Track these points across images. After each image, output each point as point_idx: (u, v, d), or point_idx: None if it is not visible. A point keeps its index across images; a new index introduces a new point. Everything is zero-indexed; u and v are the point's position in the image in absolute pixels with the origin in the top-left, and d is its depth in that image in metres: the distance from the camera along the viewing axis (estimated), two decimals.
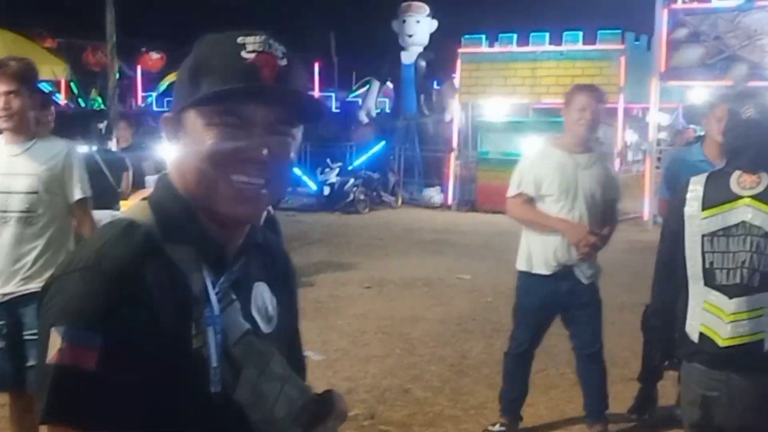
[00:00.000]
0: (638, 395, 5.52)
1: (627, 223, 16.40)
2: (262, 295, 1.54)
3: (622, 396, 5.73)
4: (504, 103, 18.74)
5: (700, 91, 16.84)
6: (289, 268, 1.72)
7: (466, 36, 19.65)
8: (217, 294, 1.40)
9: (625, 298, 7.47)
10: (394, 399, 5.80)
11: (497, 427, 5.11)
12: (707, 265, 3.05)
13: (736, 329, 3.00)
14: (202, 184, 1.41)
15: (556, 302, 4.91)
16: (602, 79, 17.95)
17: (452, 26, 20.75)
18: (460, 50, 19.61)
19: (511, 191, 4.98)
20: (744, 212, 3.03)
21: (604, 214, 4.88)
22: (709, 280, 3.05)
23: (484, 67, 19.25)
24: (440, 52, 21.45)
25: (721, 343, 3.01)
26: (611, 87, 17.84)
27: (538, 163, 4.89)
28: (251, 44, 1.40)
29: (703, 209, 3.08)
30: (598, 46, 18.06)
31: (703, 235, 3.06)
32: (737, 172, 3.11)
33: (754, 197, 3.04)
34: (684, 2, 17.24)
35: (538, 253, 4.85)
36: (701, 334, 3.07)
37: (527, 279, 4.94)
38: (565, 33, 18.32)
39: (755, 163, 3.10)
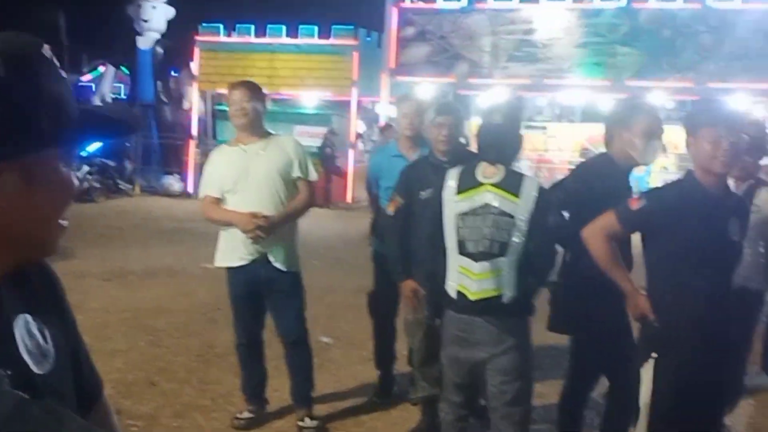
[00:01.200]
0: (379, 379, 5.86)
1: (360, 210, 17.18)
2: (28, 330, 1.26)
3: (361, 376, 6.15)
4: None
5: (427, 87, 17.93)
6: (46, 273, 1.43)
7: (204, 24, 19.58)
8: None
9: (362, 282, 7.86)
10: (141, 393, 5.79)
11: (245, 415, 5.25)
12: (460, 238, 3.81)
13: (481, 286, 3.79)
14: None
15: (258, 290, 5.07)
16: (337, 72, 18.67)
17: (190, 14, 20.51)
18: (197, 38, 19.49)
19: (199, 195, 5.21)
20: (486, 196, 3.80)
21: (298, 191, 5.03)
22: (462, 249, 3.81)
23: (222, 56, 19.27)
24: (178, 40, 21.15)
25: (471, 297, 3.80)
26: (345, 80, 18.63)
27: (217, 165, 5.09)
28: None
29: (458, 193, 3.85)
30: (332, 41, 18.68)
31: (457, 214, 3.83)
32: (482, 164, 3.86)
33: (493, 184, 3.81)
34: (412, 2, 18.28)
35: (230, 247, 5.03)
36: (458, 292, 3.84)
37: (229, 273, 5.11)
38: (301, 26, 18.74)
39: (495, 157, 3.85)
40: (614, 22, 17.21)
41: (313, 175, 5.15)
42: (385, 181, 5.39)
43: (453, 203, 3.86)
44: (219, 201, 5.02)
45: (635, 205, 3.58)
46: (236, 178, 4.92)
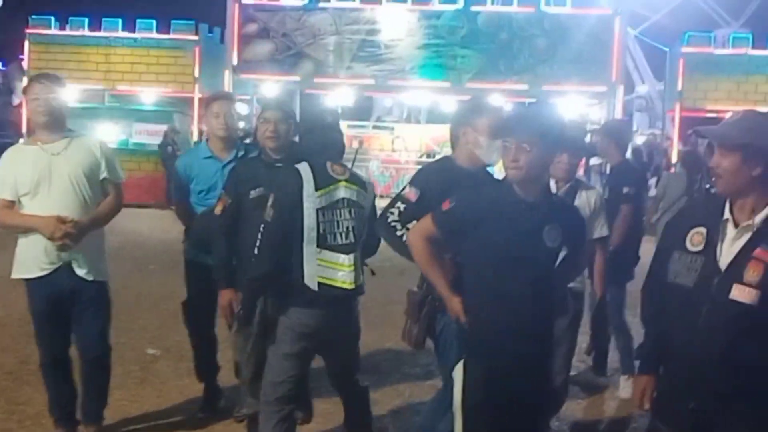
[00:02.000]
0: (204, 392, 5.59)
1: None
2: None
3: (188, 390, 5.84)
4: (77, 89, 18.12)
5: (271, 85, 17.69)
6: None
7: (34, 16, 18.70)
8: None
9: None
10: None
11: None
12: (321, 231, 3.96)
13: (352, 276, 4.03)
14: None
15: (62, 302, 4.68)
16: (178, 68, 18.22)
17: (19, 4, 19.56)
18: (27, 31, 18.62)
19: None
20: (343, 191, 4.05)
21: (106, 194, 4.72)
22: (322, 242, 3.97)
23: (55, 50, 18.52)
24: (6, 32, 20.15)
25: (348, 287, 4.02)
26: (187, 77, 18.19)
27: (12, 165, 4.64)
28: None
29: (316, 190, 3.98)
30: (172, 36, 18.27)
31: (317, 209, 3.97)
32: (328, 163, 4.08)
33: (347, 180, 4.10)
34: None
35: (30, 256, 4.62)
36: (320, 284, 3.98)
37: (28, 285, 4.70)
38: (138, 20, 18.23)
39: (337, 156, 4.16)
40: (453, 25, 17.51)
41: (121, 176, 4.82)
42: (198, 185, 5.14)
43: (313, 198, 3.97)
44: (12, 204, 4.58)
45: (446, 206, 3.54)
46: (36, 179, 4.51)
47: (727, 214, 2.95)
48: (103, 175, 4.67)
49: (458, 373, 3.59)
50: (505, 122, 3.63)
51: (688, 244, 2.97)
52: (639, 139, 23.22)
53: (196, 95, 18.12)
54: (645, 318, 3.28)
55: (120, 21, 18.28)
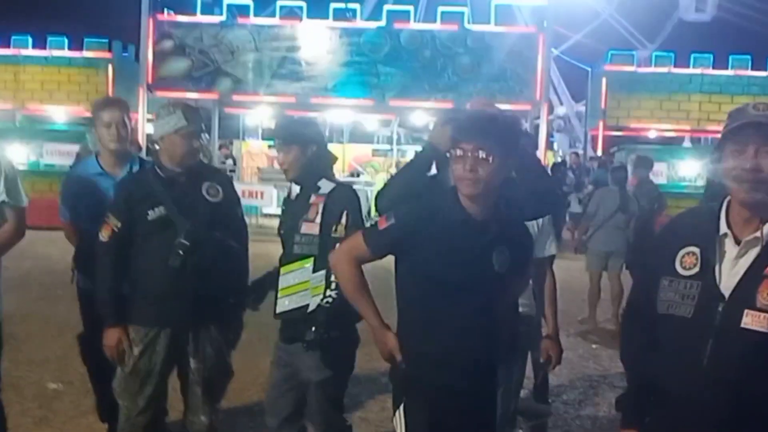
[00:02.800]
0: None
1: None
2: None
3: (93, 429, 5.41)
4: None
5: (188, 103, 17.23)
6: None
7: None
8: None
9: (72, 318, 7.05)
10: None
11: None
12: None
13: None
14: None
15: None
16: (91, 86, 17.65)
17: None
18: None
19: None
20: None
21: (4, 219, 4.09)
22: None
23: None
24: None
25: None
26: (100, 95, 17.55)
27: None
28: None
29: None
30: (85, 54, 17.80)
31: None
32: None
33: None
34: (169, 14, 17.55)
35: None
36: None
37: None
38: (50, 37, 17.69)
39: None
40: (376, 42, 17.34)
41: (24, 200, 4.17)
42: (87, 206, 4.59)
43: None
44: None
45: (383, 224, 3.06)
46: None
47: (724, 229, 2.47)
48: (1, 197, 4.03)
49: (399, 420, 3.09)
50: (461, 125, 3.03)
51: (678, 268, 2.49)
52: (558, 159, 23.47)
53: None
54: (627, 360, 2.80)
55: (30, 38, 17.67)
